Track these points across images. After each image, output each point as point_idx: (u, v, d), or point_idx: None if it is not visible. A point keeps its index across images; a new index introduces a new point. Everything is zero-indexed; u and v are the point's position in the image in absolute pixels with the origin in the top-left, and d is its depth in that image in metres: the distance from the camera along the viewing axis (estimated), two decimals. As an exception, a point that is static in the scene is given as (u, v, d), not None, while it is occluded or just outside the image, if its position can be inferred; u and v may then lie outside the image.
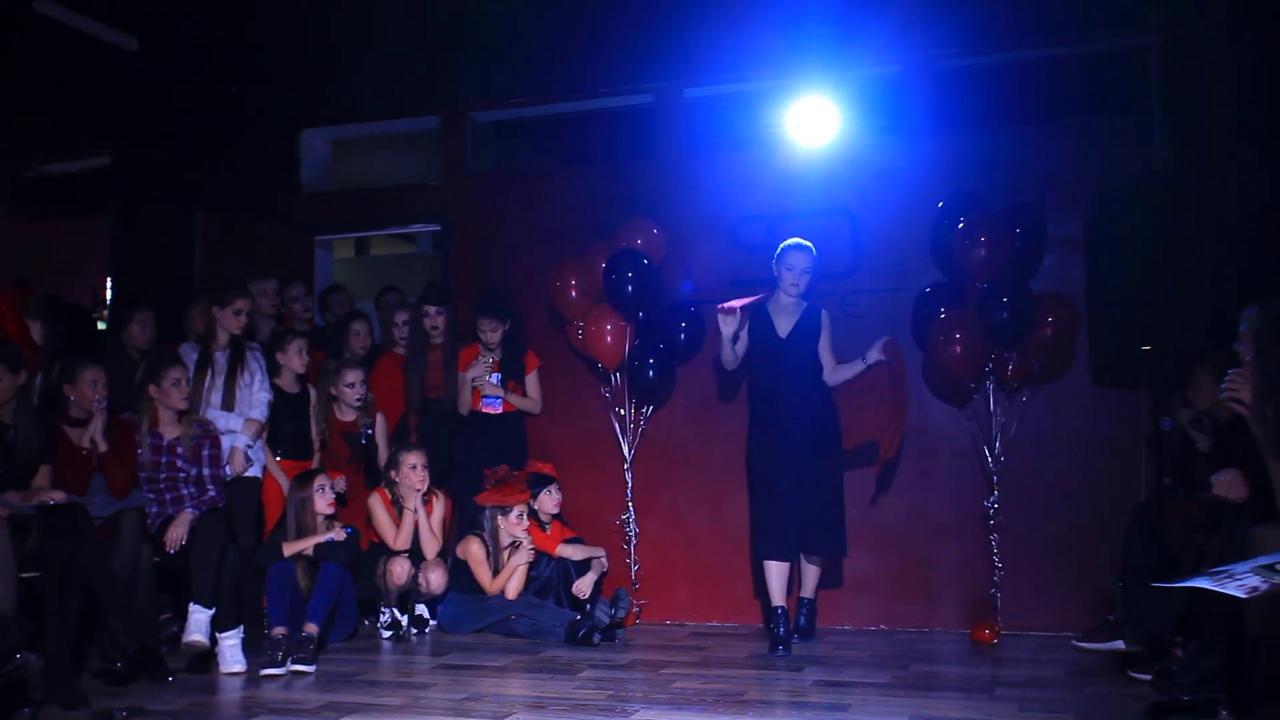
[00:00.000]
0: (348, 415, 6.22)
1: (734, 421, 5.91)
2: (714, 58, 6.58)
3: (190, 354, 5.70)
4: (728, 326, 5.45)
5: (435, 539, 5.98)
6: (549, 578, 6.05)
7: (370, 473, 6.29)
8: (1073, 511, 5.84)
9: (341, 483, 5.94)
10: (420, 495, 5.91)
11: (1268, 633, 3.45)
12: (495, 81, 7.16)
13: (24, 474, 4.82)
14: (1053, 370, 5.83)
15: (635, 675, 4.88)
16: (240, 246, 6.99)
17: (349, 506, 6.03)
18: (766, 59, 6.41)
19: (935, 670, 5.04)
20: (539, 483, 6.15)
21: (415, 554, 5.97)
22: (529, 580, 6.01)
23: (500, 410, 6.44)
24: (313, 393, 6.13)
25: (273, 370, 5.92)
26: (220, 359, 5.72)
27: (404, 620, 5.91)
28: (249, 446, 5.67)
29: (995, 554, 5.79)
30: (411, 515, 5.90)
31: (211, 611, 4.98)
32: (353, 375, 6.17)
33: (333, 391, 6.19)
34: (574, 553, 6.09)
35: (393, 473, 5.95)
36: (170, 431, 5.31)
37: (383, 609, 5.95)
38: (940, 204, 5.87)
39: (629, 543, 6.43)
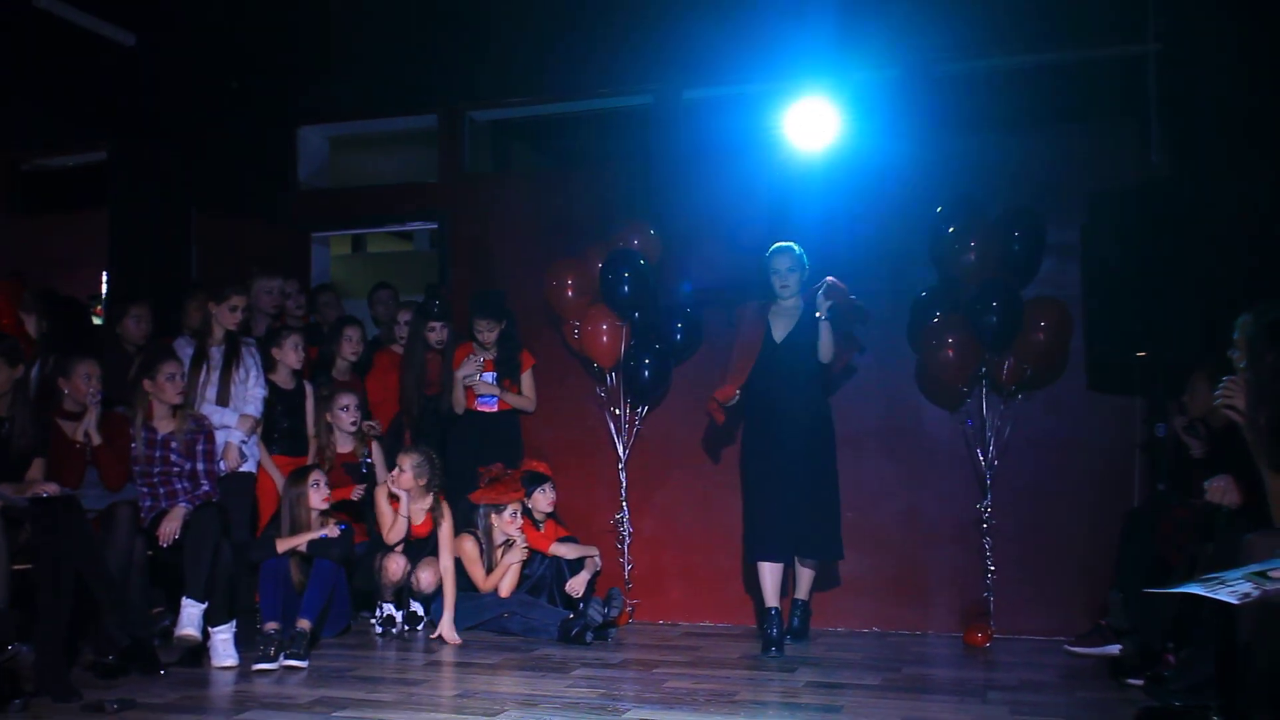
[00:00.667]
0: (345, 446, 6.13)
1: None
2: (713, 59, 6.59)
3: (185, 348, 5.69)
4: (723, 416, 5.54)
5: (447, 550, 5.85)
6: (542, 576, 6.04)
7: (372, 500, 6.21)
8: (1067, 516, 5.85)
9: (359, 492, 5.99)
10: (409, 496, 5.85)
11: (1260, 639, 3.45)
12: (493, 80, 7.16)
13: (18, 467, 4.81)
14: (1046, 374, 5.84)
15: (628, 674, 4.89)
16: (236, 242, 6.99)
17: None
18: (766, 61, 6.42)
19: (928, 673, 5.05)
20: (533, 481, 6.14)
21: (411, 551, 5.96)
22: (522, 578, 6.01)
23: (495, 409, 6.44)
24: (308, 389, 6.11)
25: (268, 366, 5.91)
26: (215, 354, 5.70)
27: (399, 616, 5.90)
28: (243, 442, 5.66)
29: (989, 558, 5.80)
30: (404, 517, 5.86)
31: (204, 605, 4.97)
32: (346, 399, 6.07)
33: (328, 418, 6.09)
34: (568, 551, 6.09)
35: (393, 472, 5.92)
36: (165, 426, 5.30)
37: (379, 604, 5.94)
38: (939, 209, 5.88)
39: (623, 542, 6.43)
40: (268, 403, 5.81)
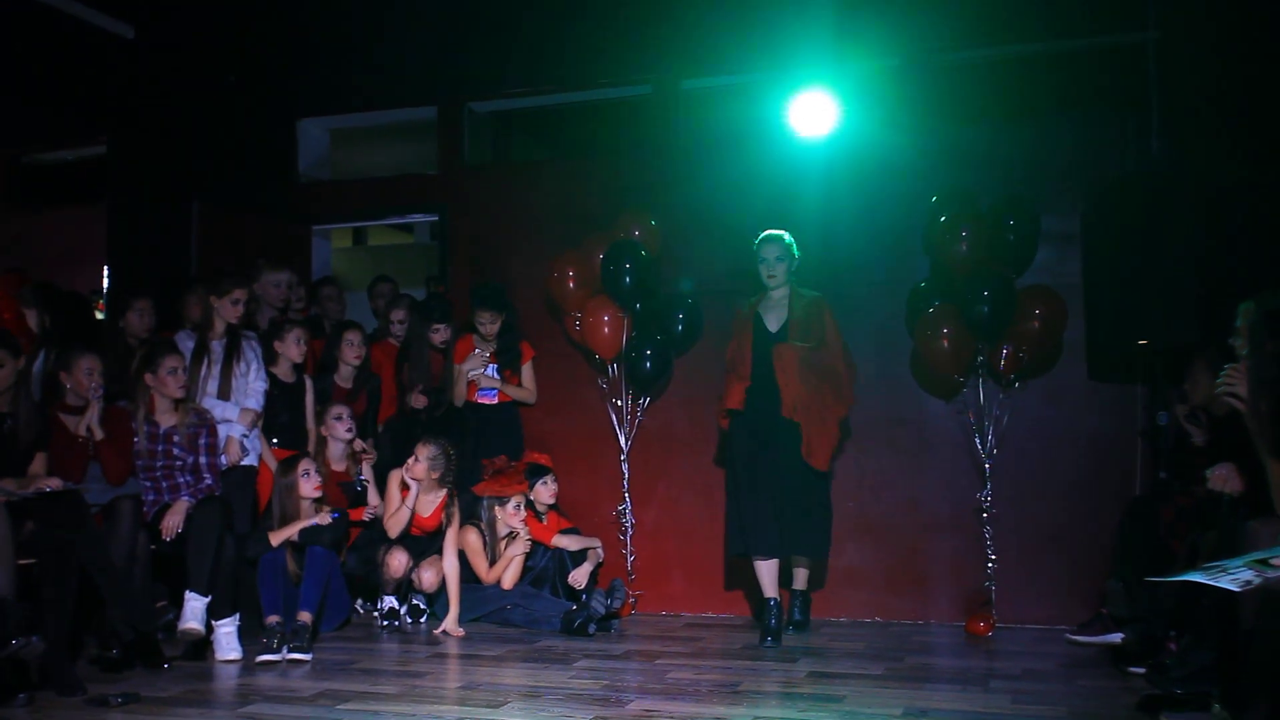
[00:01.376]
0: (340, 465, 6.09)
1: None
2: (712, 49, 6.58)
3: (186, 342, 5.69)
4: (727, 421, 5.53)
5: (452, 551, 5.84)
6: (545, 568, 6.05)
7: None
8: (1068, 505, 5.86)
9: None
10: (420, 487, 5.86)
11: (1261, 627, 3.45)
12: (493, 72, 7.15)
13: (21, 462, 4.81)
14: (1042, 363, 5.84)
15: (630, 666, 4.90)
16: (237, 235, 6.98)
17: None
18: (765, 51, 6.40)
19: (930, 662, 5.06)
20: (535, 473, 6.15)
21: (415, 547, 5.96)
22: (525, 570, 6.02)
23: (495, 400, 6.45)
24: (308, 383, 6.10)
25: (270, 359, 5.90)
26: (217, 348, 5.70)
27: (402, 610, 5.92)
28: (244, 436, 5.65)
29: (990, 547, 5.80)
30: (409, 508, 5.86)
31: (207, 599, 4.97)
32: (339, 409, 6.04)
33: (322, 431, 6.05)
34: (570, 543, 6.10)
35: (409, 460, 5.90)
36: (167, 420, 5.30)
37: (382, 596, 5.95)
38: (934, 199, 5.88)
39: (625, 534, 6.44)
40: (268, 396, 5.81)
